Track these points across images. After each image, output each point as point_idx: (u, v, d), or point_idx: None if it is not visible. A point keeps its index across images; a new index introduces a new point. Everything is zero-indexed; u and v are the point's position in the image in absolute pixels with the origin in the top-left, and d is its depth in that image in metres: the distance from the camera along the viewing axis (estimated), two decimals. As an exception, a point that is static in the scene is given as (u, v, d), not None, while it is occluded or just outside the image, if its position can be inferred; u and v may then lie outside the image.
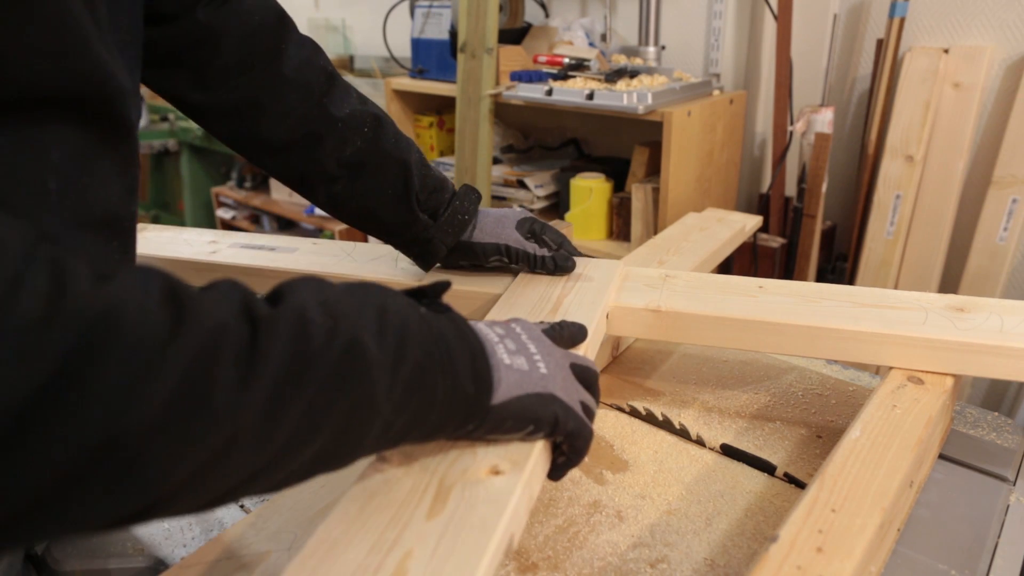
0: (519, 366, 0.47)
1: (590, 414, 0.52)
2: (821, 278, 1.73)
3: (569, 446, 0.50)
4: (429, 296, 0.48)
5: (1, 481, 0.26)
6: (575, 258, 0.78)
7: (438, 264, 0.78)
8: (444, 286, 0.49)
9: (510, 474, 0.46)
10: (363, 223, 0.75)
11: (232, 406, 0.31)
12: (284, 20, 0.69)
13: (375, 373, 0.37)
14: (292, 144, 0.69)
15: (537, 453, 0.49)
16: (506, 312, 0.69)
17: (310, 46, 0.71)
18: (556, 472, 0.52)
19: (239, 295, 0.35)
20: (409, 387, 0.40)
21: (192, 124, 2.85)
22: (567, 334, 0.58)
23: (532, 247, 0.75)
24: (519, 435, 0.48)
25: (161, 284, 0.31)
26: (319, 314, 0.36)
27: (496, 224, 0.76)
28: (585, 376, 0.53)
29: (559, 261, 0.75)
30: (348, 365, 0.36)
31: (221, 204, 2.98)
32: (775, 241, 1.67)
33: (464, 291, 0.77)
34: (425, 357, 0.41)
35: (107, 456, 0.28)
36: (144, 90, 0.66)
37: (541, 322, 0.57)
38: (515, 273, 0.78)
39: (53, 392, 0.27)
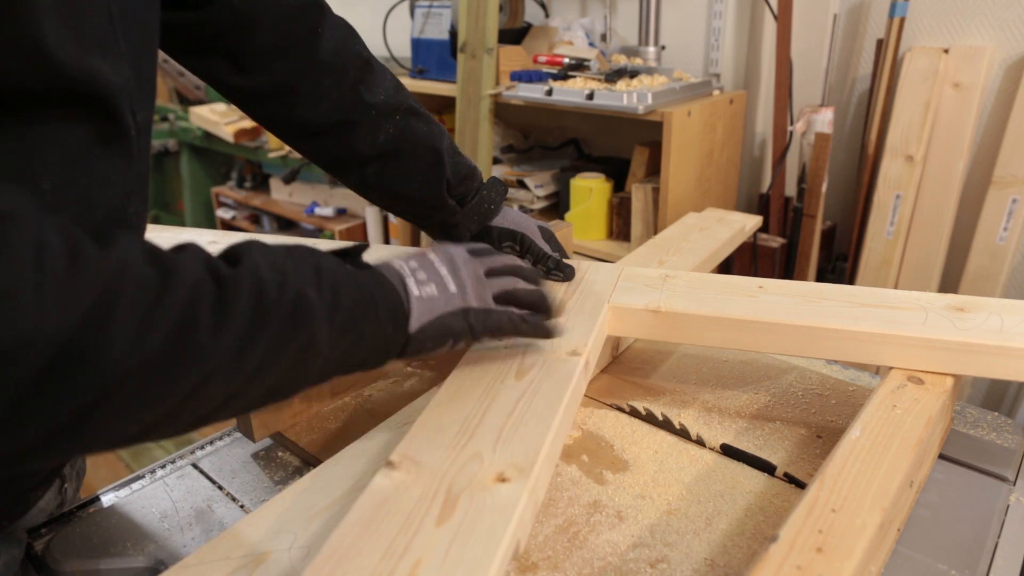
0: (428, 294, 0.54)
1: (510, 298, 0.59)
2: (821, 278, 1.73)
3: (503, 334, 0.58)
4: (351, 256, 0.54)
5: (44, 407, 0.33)
6: (576, 263, 0.80)
7: None
8: (363, 247, 0.56)
9: (516, 481, 0.47)
10: (393, 205, 0.78)
11: (211, 346, 0.39)
12: (319, 3, 0.70)
13: (317, 321, 0.45)
14: (326, 129, 0.71)
15: (542, 461, 0.49)
16: None
17: (344, 29, 0.72)
18: (537, 335, 0.61)
19: (203, 256, 0.42)
20: (342, 330, 0.47)
21: (192, 124, 2.86)
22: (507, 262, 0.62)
23: (544, 246, 0.78)
24: (444, 349, 0.56)
25: (142, 248, 0.38)
26: (270, 272, 0.43)
27: (518, 217, 0.80)
28: (501, 272, 0.59)
29: (561, 265, 0.78)
30: (296, 315, 0.44)
31: (221, 204, 2.98)
32: (775, 241, 1.67)
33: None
34: (354, 305, 0.48)
35: (122, 385, 0.35)
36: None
37: (478, 246, 0.62)
38: None
39: (82, 335, 0.33)
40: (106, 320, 0.34)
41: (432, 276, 0.55)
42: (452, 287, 0.55)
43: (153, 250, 0.39)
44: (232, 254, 0.44)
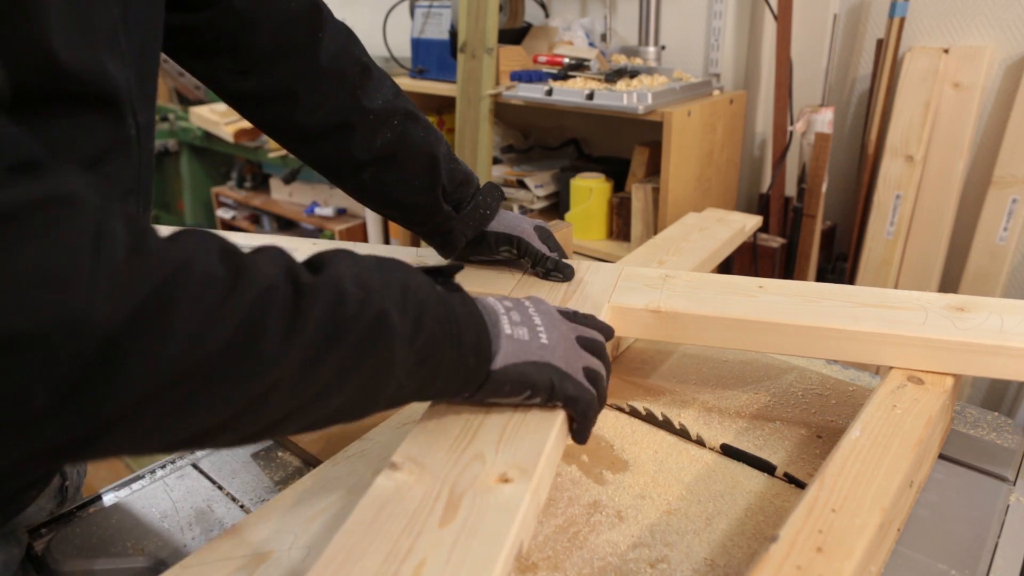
0: (519, 336, 0.52)
1: (596, 380, 0.55)
2: (821, 278, 1.73)
3: (573, 410, 0.53)
4: (444, 275, 0.53)
5: (90, 399, 0.31)
6: (576, 263, 0.80)
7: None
8: (458, 267, 0.54)
9: (519, 482, 0.47)
10: (388, 211, 0.78)
11: (276, 356, 0.36)
12: (318, 8, 0.70)
13: (396, 342, 0.42)
14: (325, 133, 0.71)
15: (544, 461, 0.49)
16: None
17: (344, 33, 0.72)
18: (578, 437, 0.56)
19: (285, 261, 0.40)
20: (422, 356, 0.45)
21: (192, 124, 2.86)
22: (593, 326, 0.60)
23: (542, 247, 0.78)
24: (518, 399, 0.52)
25: (218, 245, 0.37)
26: (353, 285, 0.41)
27: (513, 220, 0.80)
28: (592, 348, 0.56)
29: (560, 266, 0.78)
30: (375, 333, 0.41)
31: (221, 204, 2.98)
32: (775, 241, 1.67)
33: (472, 292, 0.77)
34: (438, 329, 0.46)
35: (175, 386, 0.33)
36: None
37: (567, 309, 0.60)
38: (522, 271, 0.81)
39: (135, 328, 0.31)
40: (162, 316, 0.32)
41: (525, 321, 0.53)
42: (544, 339, 0.53)
43: (230, 249, 0.37)
44: (317, 261, 0.43)
